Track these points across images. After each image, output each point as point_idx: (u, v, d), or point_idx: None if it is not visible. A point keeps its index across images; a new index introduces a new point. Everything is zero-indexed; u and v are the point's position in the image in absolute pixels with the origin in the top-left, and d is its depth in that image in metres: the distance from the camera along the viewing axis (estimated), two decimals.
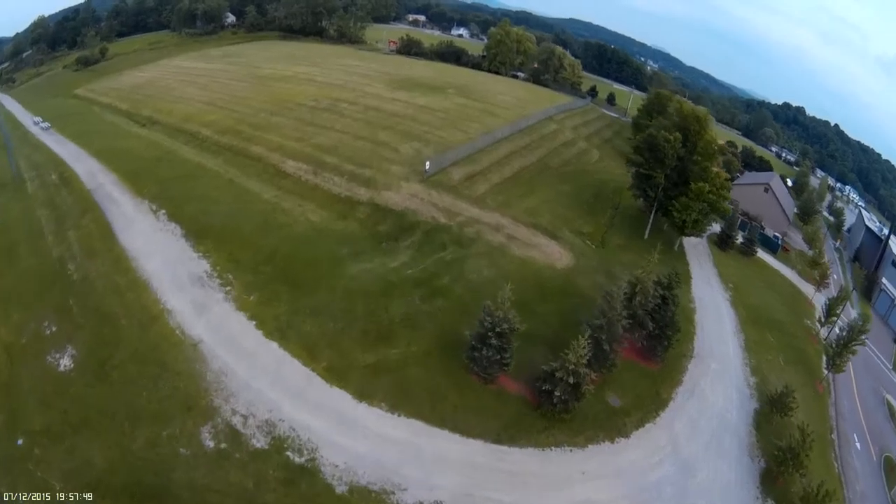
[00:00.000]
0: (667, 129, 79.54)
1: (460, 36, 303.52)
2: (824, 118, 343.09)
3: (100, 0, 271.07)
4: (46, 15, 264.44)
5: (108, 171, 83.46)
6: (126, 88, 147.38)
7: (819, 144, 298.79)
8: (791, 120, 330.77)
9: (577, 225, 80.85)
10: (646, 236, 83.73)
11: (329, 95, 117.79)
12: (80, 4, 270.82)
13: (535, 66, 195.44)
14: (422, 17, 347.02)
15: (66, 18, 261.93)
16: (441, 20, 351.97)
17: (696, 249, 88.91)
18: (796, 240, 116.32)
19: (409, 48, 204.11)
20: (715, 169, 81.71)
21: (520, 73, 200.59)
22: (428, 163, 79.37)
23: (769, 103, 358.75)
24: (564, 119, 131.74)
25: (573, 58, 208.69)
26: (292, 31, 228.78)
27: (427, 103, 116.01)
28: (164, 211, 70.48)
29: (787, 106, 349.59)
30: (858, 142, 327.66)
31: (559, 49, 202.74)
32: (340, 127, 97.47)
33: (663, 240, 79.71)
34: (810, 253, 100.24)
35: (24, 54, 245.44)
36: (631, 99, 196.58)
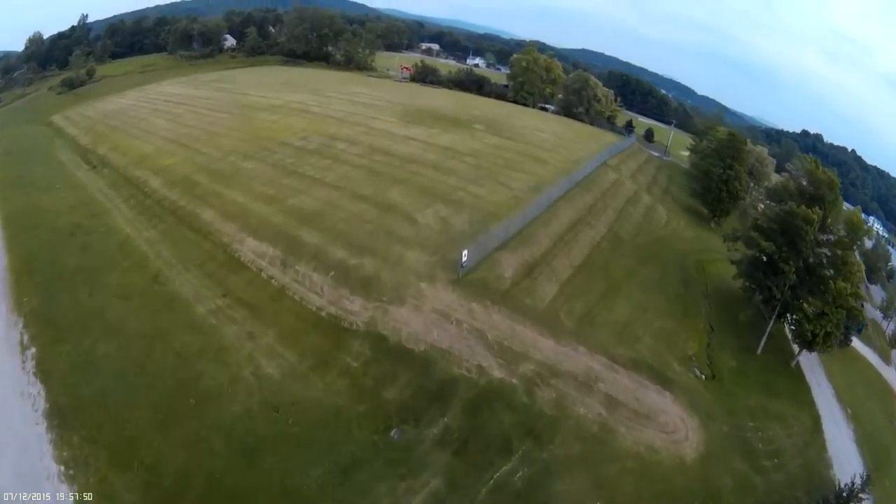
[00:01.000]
0: (790, 195, 60.52)
1: (476, 66, 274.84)
2: (840, 144, 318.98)
3: (100, 18, 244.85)
4: (43, 32, 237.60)
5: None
6: (98, 117, 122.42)
7: (840, 173, 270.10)
8: (810, 148, 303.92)
9: (681, 342, 51.76)
10: (760, 350, 56.85)
11: (323, 131, 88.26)
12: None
13: (567, 96, 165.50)
14: (435, 46, 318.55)
15: (61, 35, 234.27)
16: (455, 49, 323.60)
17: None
18: None
19: (425, 75, 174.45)
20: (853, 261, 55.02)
21: (549, 106, 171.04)
22: (465, 253, 47.96)
23: (788, 132, 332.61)
24: (620, 164, 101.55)
25: (605, 88, 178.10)
26: (296, 56, 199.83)
27: (451, 143, 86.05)
28: (33, 349, 41.17)
29: (805, 134, 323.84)
30: (875, 167, 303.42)
31: (592, 78, 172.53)
32: (333, 179, 67.49)
33: (777, 353, 58.19)
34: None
35: (16, 73, 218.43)
36: (671, 136, 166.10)
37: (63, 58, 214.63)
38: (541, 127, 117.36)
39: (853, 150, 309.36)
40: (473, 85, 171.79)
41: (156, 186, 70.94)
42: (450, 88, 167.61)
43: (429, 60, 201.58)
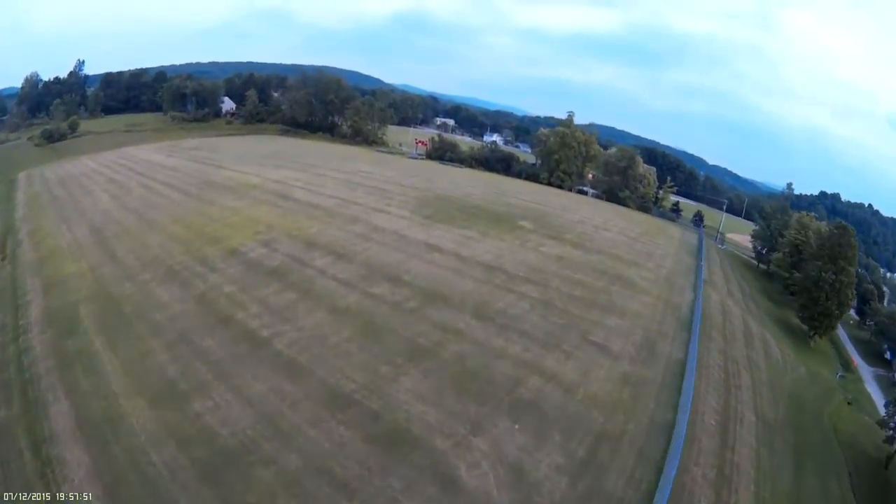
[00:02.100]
0: None
1: (494, 143, 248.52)
2: (857, 200, 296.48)
3: (110, 70, 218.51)
4: (42, 73, 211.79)
5: None
6: (53, 182, 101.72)
7: (860, 231, 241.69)
8: (830, 209, 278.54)
9: None
10: None
11: (299, 231, 57.24)
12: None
13: (610, 177, 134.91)
14: (451, 122, 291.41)
15: (57, 81, 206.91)
16: (471, 125, 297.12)
17: None
18: None
19: (443, 152, 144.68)
20: None
21: (587, 189, 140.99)
22: None
23: (807, 195, 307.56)
24: (712, 277, 70.98)
25: (646, 165, 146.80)
26: (297, 126, 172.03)
27: (497, 256, 55.59)
28: None
29: (823, 195, 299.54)
30: (892, 218, 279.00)
31: (637, 156, 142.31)
32: (292, 342, 36.10)
33: None
34: None
35: (5, 116, 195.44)
36: (723, 220, 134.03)
37: (47, 105, 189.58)
38: (598, 220, 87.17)
39: (870, 205, 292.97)
40: (500, 164, 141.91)
41: (33, 318, 41.48)
42: (472, 167, 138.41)
43: (446, 136, 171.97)
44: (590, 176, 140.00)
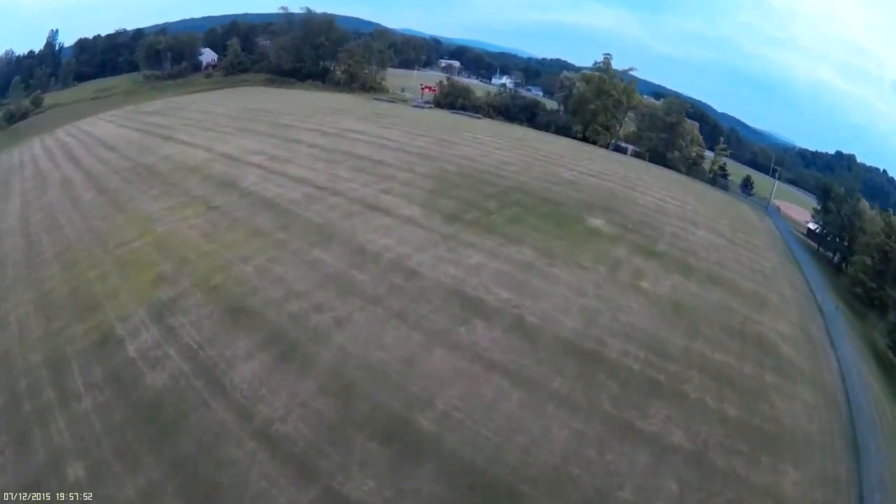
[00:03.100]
0: None
1: (504, 86, 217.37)
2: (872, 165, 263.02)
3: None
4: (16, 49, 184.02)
5: None
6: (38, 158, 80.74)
7: (880, 199, 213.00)
8: (846, 170, 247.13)
9: None
10: None
11: (226, 272, 30.13)
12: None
13: (656, 134, 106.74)
14: (456, 64, 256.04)
15: (30, 55, 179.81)
16: (478, 67, 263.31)
17: None
18: None
19: (454, 98, 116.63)
20: None
21: (626, 146, 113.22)
22: None
23: (823, 154, 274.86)
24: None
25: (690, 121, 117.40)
26: (284, 74, 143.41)
27: (585, 321, 28.10)
28: None
29: (839, 155, 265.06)
30: None
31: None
32: None
33: None
34: None
35: None
36: (775, 188, 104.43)
37: (25, 82, 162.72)
38: (674, 202, 61.05)
39: (884, 171, 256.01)
40: (523, 113, 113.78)
41: None
42: (492, 118, 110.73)
43: (457, 80, 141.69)
44: (638, 132, 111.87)
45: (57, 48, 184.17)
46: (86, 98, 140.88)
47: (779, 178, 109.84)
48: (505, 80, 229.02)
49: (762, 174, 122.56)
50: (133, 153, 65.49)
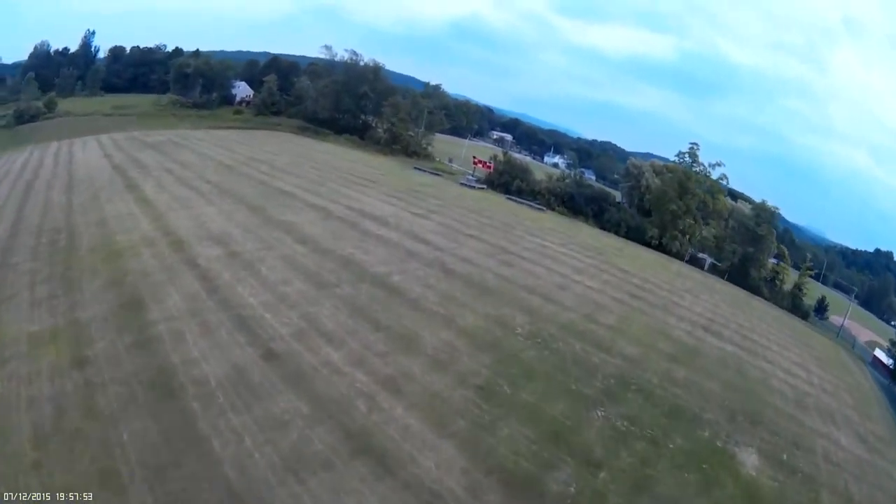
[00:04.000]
0: None
1: (556, 166, 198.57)
2: None
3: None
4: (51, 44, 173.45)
5: None
6: (15, 173, 71.54)
7: None
8: (884, 268, 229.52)
9: None
10: None
11: None
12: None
13: (743, 247, 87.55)
14: (508, 137, 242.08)
15: (63, 52, 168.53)
16: (530, 142, 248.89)
17: None
18: None
19: (510, 179, 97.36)
20: None
21: (704, 257, 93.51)
22: None
23: (862, 252, 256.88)
24: None
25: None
26: (320, 123, 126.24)
27: None
28: None
29: (878, 253, 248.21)
30: None
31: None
32: None
33: None
34: None
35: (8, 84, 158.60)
36: (849, 311, 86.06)
37: (48, 79, 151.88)
38: (803, 377, 41.17)
39: None
40: (590, 206, 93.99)
41: None
42: (552, 208, 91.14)
43: (515, 157, 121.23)
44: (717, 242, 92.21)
45: (92, 51, 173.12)
46: (102, 112, 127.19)
47: (824, 283, 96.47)
48: (558, 159, 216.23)
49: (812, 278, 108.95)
50: (78, 204, 47.18)
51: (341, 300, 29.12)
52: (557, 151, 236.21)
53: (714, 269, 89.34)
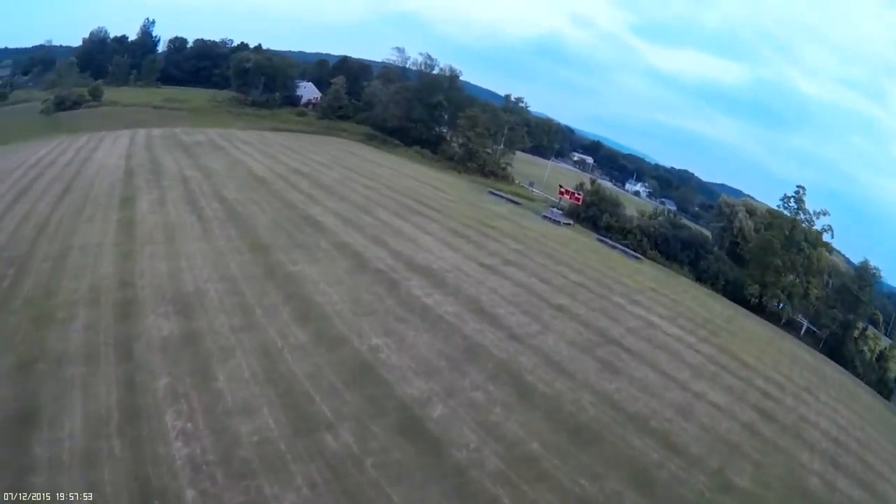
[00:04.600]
0: None
1: (637, 194, 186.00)
2: None
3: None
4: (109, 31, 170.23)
5: None
6: (25, 167, 61.57)
7: None
8: None
9: None
10: None
11: None
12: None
13: (844, 313, 72.07)
14: (589, 160, 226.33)
15: (121, 39, 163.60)
16: (611, 166, 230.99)
17: None
18: None
19: (598, 212, 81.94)
20: None
21: (801, 319, 77.73)
22: None
23: None
24: None
25: None
26: (390, 132, 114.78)
27: None
28: None
29: None
30: None
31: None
32: None
33: None
34: None
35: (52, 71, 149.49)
36: None
37: (102, 66, 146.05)
38: None
39: None
40: (685, 253, 78.49)
41: None
42: (645, 249, 76.38)
43: (605, 186, 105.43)
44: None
45: (152, 41, 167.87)
46: (151, 104, 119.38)
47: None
48: (639, 187, 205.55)
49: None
50: (56, 222, 39.52)
51: (329, 471, 16.16)
52: (639, 178, 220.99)
53: (809, 334, 76.44)
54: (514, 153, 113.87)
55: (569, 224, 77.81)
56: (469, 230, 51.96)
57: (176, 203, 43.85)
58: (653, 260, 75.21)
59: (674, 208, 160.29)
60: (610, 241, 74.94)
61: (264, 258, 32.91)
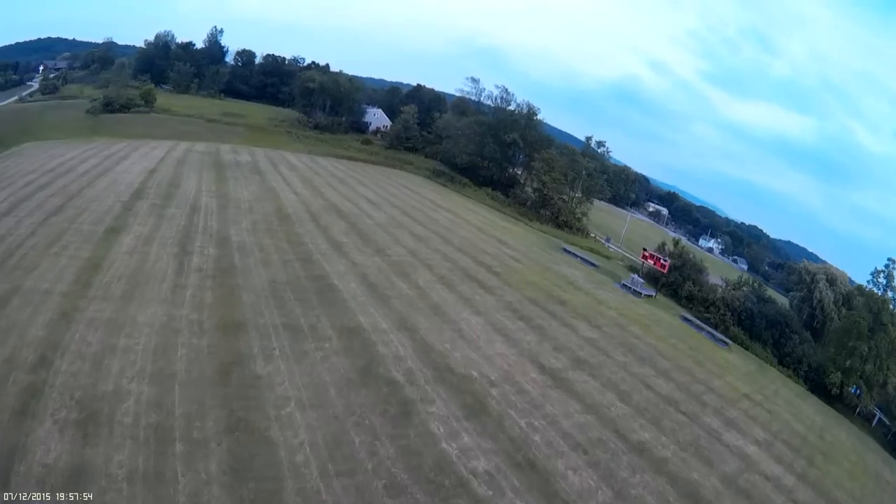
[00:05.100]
0: None
1: (710, 251, 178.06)
2: None
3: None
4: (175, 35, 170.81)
5: None
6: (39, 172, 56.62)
7: None
8: None
9: None
10: None
11: None
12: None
13: None
14: (664, 211, 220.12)
15: (186, 45, 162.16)
16: (685, 219, 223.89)
17: None
18: None
19: (681, 280, 70.08)
20: None
21: (877, 412, 64.00)
22: None
23: None
24: None
25: None
26: (459, 169, 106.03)
27: None
28: None
29: None
30: None
31: None
32: None
33: None
34: None
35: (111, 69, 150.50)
36: None
37: (163, 71, 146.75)
38: None
39: None
40: (769, 332, 66.70)
41: None
42: (728, 326, 64.81)
43: (690, 249, 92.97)
44: None
45: (220, 51, 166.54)
46: (207, 116, 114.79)
47: None
48: (713, 243, 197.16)
49: None
50: (21, 254, 30.95)
51: None
52: (713, 235, 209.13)
53: (885, 430, 63.93)
54: (591, 203, 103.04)
55: (650, 295, 66.41)
56: (533, 307, 41.44)
57: (165, 242, 35.75)
58: (737, 340, 64.01)
59: (745, 267, 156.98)
60: (696, 321, 63.27)
61: (228, 346, 23.72)
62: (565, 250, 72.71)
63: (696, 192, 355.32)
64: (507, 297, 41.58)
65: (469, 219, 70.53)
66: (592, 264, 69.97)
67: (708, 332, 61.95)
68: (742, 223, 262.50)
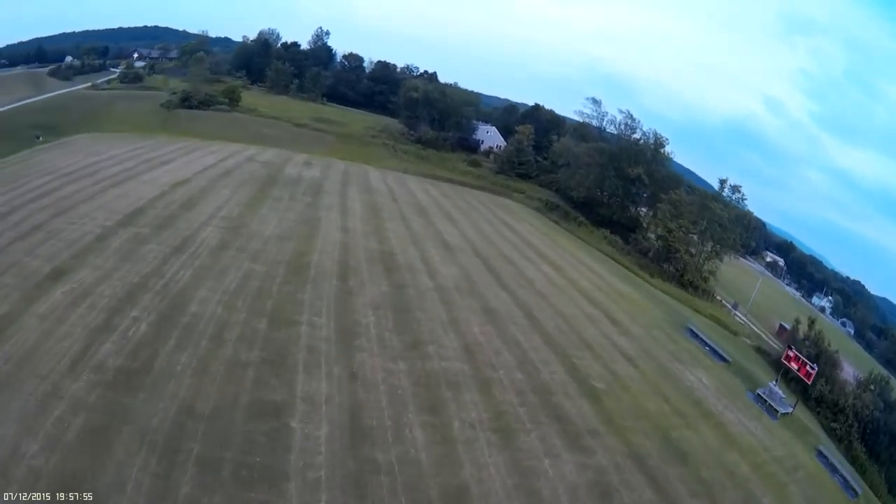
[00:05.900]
0: None
1: (822, 310, 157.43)
2: None
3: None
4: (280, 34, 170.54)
5: None
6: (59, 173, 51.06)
7: None
8: None
9: None
10: None
11: None
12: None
13: None
14: (780, 262, 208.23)
15: (290, 45, 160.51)
16: (800, 272, 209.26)
17: None
18: None
19: (819, 381, 53.79)
20: None
21: None
22: None
23: None
24: None
25: None
26: (575, 204, 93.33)
27: None
28: None
29: None
30: None
31: None
32: None
33: None
34: None
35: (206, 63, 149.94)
36: None
37: (260, 69, 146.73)
38: None
39: None
40: (890, 448, 56.08)
41: None
42: (853, 455, 51.60)
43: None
44: None
45: (329, 53, 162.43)
46: (295, 121, 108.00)
47: None
48: (825, 302, 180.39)
49: None
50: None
51: None
52: (827, 294, 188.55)
53: None
54: (721, 259, 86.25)
55: (787, 413, 49.50)
56: (639, 479, 25.27)
57: (95, 305, 25.69)
58: (857, 463, 51.11)
59: (852, 331, 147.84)
60: (832, 459, 45.69)
61: None
62: (691, 331, 57.31)
63: (808, 240, 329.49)
64: (600, 460, 25.33)
65: (575, 278, 55.74)
66: (723, 359, 54.05)
67: (841, 477, 44.77)
68: (847, 278, 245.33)
